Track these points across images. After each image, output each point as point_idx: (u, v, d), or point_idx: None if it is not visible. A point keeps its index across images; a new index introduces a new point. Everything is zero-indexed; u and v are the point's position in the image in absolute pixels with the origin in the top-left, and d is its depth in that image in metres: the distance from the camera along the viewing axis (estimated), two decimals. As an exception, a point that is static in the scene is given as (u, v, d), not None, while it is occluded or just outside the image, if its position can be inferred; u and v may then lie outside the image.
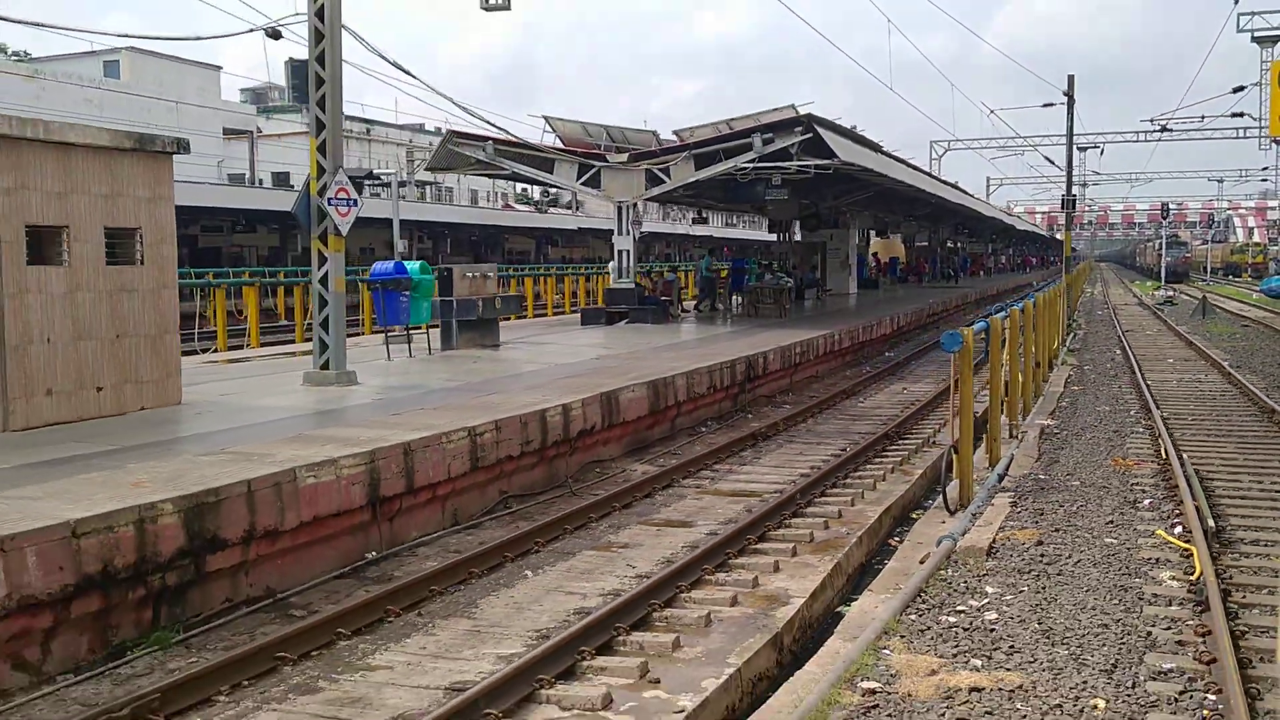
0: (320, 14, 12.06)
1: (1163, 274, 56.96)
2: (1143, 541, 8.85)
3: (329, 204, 12.20)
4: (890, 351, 27.62)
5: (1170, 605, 7.27)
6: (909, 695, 5.97)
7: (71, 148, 9.72)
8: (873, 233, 49.85)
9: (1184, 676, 6.02)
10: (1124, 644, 6.52)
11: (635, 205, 23.73)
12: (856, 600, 8.12)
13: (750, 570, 8.75)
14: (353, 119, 63.15)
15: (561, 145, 25.38)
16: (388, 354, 16.37)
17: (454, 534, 9.94)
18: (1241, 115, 37.11)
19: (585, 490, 11.71)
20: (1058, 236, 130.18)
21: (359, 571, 8.79)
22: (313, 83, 12.12)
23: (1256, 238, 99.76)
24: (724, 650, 7.13)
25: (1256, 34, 26.13)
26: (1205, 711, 5.57)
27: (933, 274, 58.95)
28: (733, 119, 25.16)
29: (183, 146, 10.68)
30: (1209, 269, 75.30)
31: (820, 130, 21.88)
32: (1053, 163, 44.60)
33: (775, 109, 24.64)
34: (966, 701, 5.81)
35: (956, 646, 6.59)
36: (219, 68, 57.51)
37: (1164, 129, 39.58)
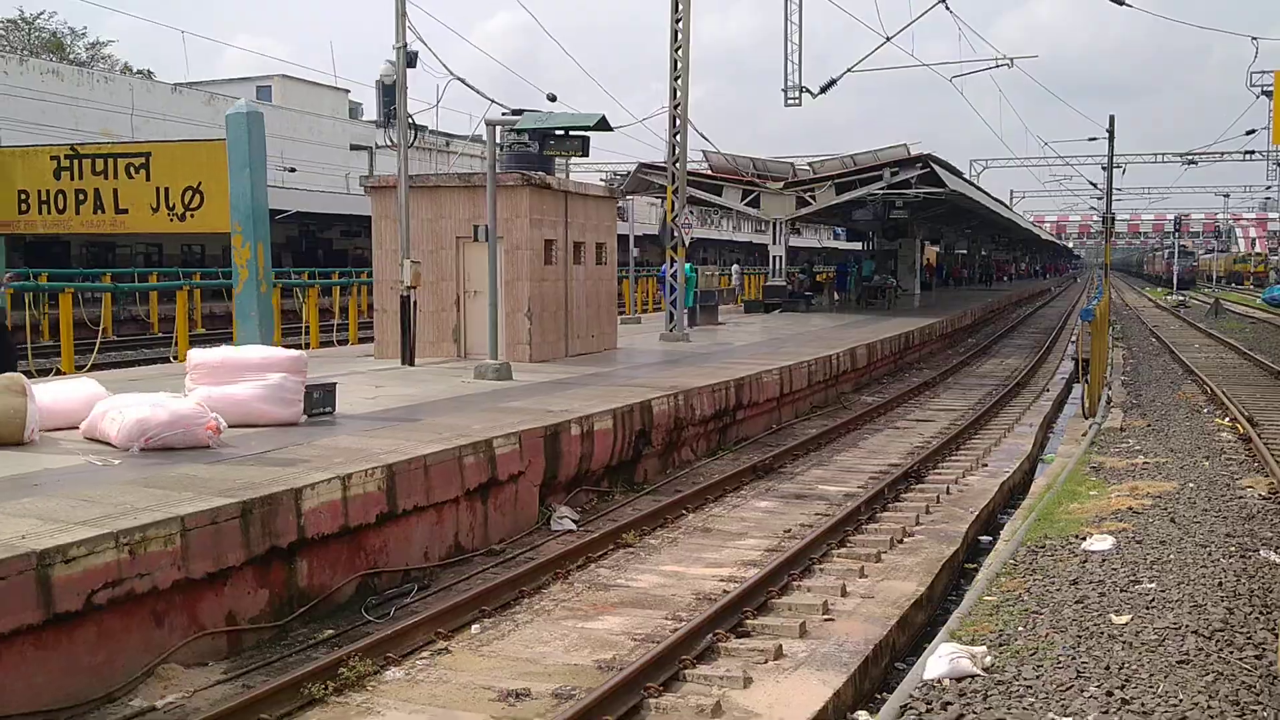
0: (677, 107, 19.06)
1: (1175, 281, 63.63)
2: (1208, 424, 15.85)
3: (681, 226, 19.19)
4: (971, 338, 34.61)
5: (1230, 442, 14.26)
6: (1113, 468, 12.96)
7: (586, 196, 16.77)
8: (927, 242, 56.72)
9: (1241, 458, 13.02)
10: (1210, 450, 13.52)
11: (788, 222, 30.78)
12: (1053, 451, 15.15)
13: (990, 437, 15.75)
14: (434, 133, 70.53)
15: (713, 172, 32.46)
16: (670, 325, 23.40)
17: (800, 422, 16.95)
18: (1252, 153, 44.22)
19: (853, 406, 18.68)
20: (1068, 244, 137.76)
21: (774, 434, 15.78)
22: (670, 152, 19.12)
23: (1258, 248, 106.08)
24: (1003, 463, 14.12)
25: (1265, 89, 32.81)
26: (1255, 465, 12.57)
27: (969, 278, 66.01)
28: (855, 154, 32.22)
29: (620, 194, 17.70)
30: (1213, 277, 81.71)
31: (935, 166, 28.93)
32: (1094, 185, 51.80)
33: (891, 147, 31.73)
34: (1144, 467, 12.79)
35: (1125, 456, 13.57)
36: (347, 91, 64.46)
37: (1192, 161, 46.86)
